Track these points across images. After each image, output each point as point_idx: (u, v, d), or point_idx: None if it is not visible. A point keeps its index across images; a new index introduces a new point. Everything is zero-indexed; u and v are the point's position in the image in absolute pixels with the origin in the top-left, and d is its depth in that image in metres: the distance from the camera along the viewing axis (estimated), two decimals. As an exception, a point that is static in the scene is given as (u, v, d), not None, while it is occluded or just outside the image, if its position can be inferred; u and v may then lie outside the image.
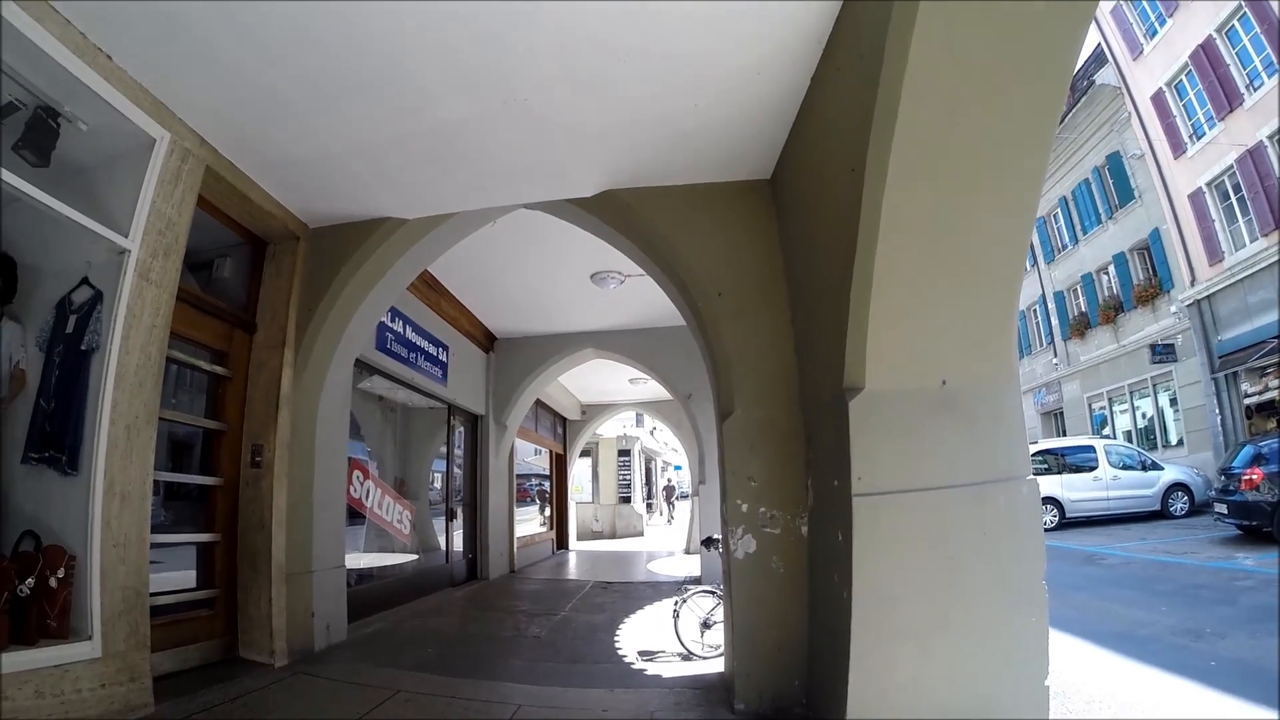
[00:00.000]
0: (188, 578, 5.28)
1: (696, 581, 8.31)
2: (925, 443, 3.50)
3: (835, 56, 3.67)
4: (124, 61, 3.79)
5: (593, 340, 11.04)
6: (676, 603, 6.05)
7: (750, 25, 3.60)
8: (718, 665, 5.30)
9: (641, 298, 8.82)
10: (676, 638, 5.85)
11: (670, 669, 5.46)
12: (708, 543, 6.25)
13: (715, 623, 5.78)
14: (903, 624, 3.39)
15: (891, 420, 3.50)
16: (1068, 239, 25.66)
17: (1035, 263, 27.49)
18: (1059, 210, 25.88)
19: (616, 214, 5.47)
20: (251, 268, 5.92)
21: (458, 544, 10.54)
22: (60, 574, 3.57)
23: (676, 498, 30.61)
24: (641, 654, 5.94)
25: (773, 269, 4.94)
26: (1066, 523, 15.73)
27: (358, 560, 7.76)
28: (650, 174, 5.17)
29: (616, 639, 6.61)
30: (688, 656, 5.72)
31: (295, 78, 3.98)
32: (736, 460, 4.69)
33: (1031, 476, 3.63)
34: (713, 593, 5.97)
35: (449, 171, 5.15)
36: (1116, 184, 22.28)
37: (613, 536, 20.63)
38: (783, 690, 4.29)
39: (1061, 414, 26.65)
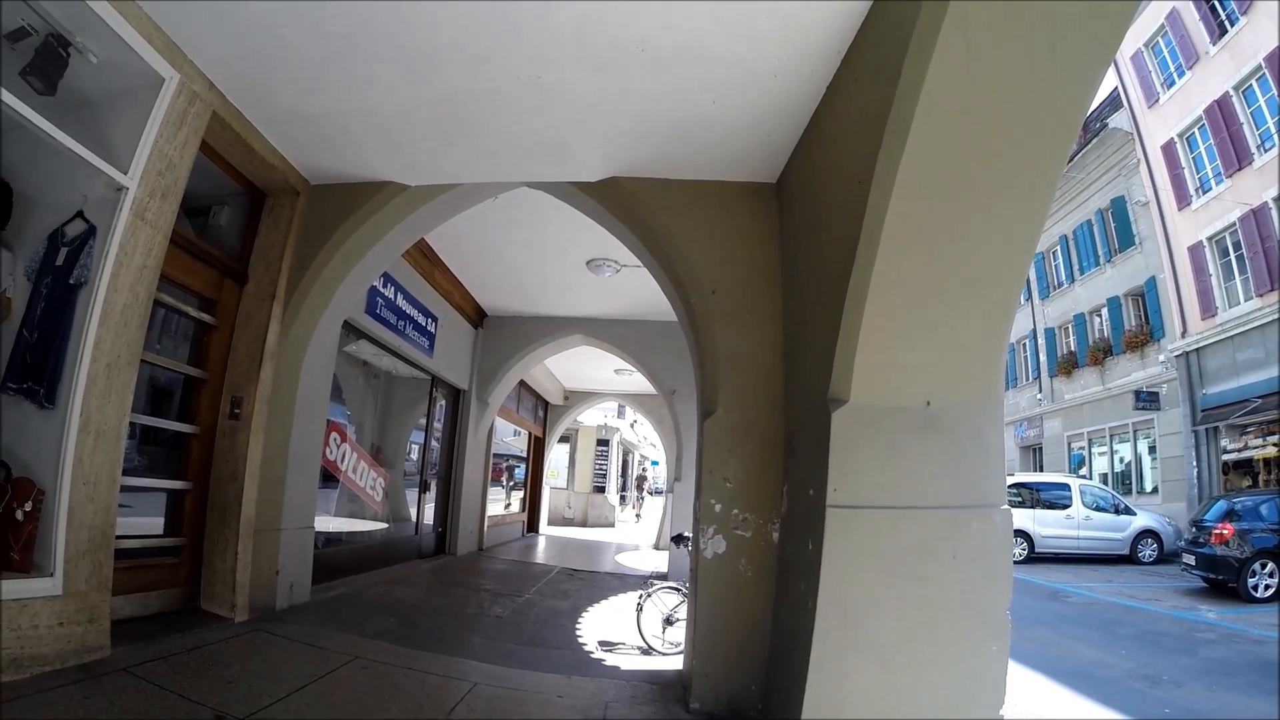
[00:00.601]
0: (155, 524, 5.24)
1: (663, 578, 8.35)
2: (904, 461, 3.51)
3: (854, 65, 3.66)
4: None
5: (582, 326, 11.04)
6: (641, 597, 6.09)
7: (771, 27, 3.60)
8: (677, 663, 5.34)
9: (635, 289, 8.83)
10: (639, 632, 5.88)
11: (629, 662, 5.50)
12: (678, 539, 6.27)
13: (678, 620, 5.81)
14: (865, 637, 3.40)
15: (873, 435, 3.50)
16: (1064, 277, 25.89)
17: (1030, 297, 27.73)
18: (1058, 247, 26.09)
19: (619, 202, 5.46)
20: (248, 218, 5.87)
21: (429, 517, 10.52)
22: (27, 507, 3.55)
23: (649, 490, 29.05)
24: (602, 644, 5.99)
25: (770, 273, 4.96)
26: (1035, 557, 15.96)
27: (327, 523, 7.73)
28: (656, 165, 5.17)
29: (578, 627, 6.66)
30: (648, 651, 5.76)
31: (308, 32, 3.94)
32: (714, 460, 4.70)
33: (1006, 506, 3.64)
34: (677, 590, 6.00)
35: (454, 142, 5.12)
36: (1118, 228, 22.52)
37: (584, 525, 20.69)
38: (740, 693, 4.31)
39: (1041, 449, 26.95)
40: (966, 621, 3.47)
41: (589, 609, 7.53)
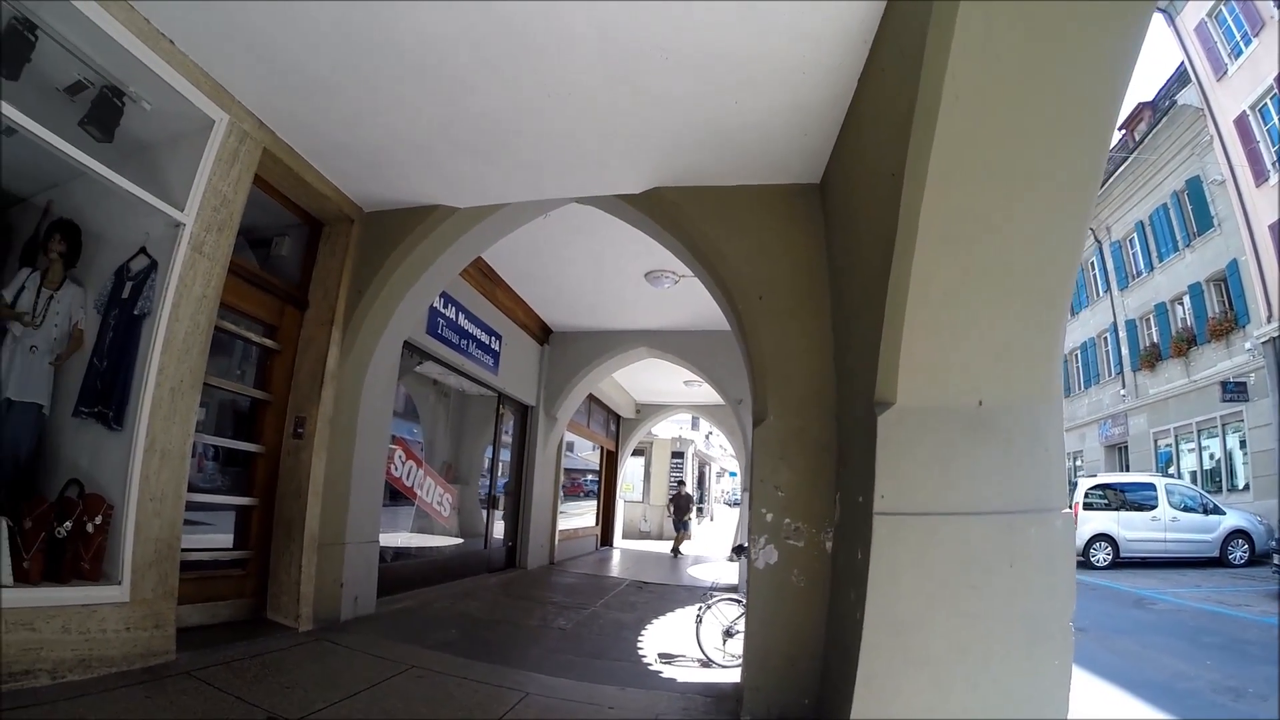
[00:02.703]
0: (224, 538, 5.63)
1: (733, 589, 8.34)
2: (956, 465, 3.33)
3: (880, 55, 3.61)
4: (185, 46, 4.09)
5: (647, 339, 11.16)
6: (700, 609, 6.10)
7: (792, 22, 3.60)
8: (735, 675, 5.31)
9: (695, 299, 8.87)
10: (697, 644, 5.88)
11: (687, 674, 5.51)
12: (738, 550, 6.24)
13: (738, 632, 5.78)
14: (916, 651, 3.26)
15: (922, 438, 3.35)
16: (1143, 265, 24.55)
17: (1108, 288, 26.46)
18: (1135, 235, 24.78)
19: (664, 212, 5.55)
20: (308, 247, 6.26)
21: (498, 531, 10.80)
22: (97, 521, 3.91)
23: (691, 515, 19.16)
24: (662, 656, 6.01)
25: (817, 276, 4.92)
26: (1120, 561, 15.20)
27: (396, 538, 8.07)
28: (697, 173, 5.24)
29: (640, 639, 6.70)
30: (707, 663, 5.74)
31: (340, 65, 4.21)
32: (766, 468, 4.67)
33: (1067, 510, 3.44)
34: (738, 601, 5.98)
35: (492, 161, 5.32)
36: (1195, 210, 21.20)
37: (660, 538, 20.69)
38: (792, 706, 4.24)
39: (1126, 448, 25.47)
40: (1025, 634, 3.26)
41: (654, 621, 7.57)
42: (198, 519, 5.10)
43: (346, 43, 4.00)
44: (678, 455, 22.52)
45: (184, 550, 4.48)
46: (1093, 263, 27.87)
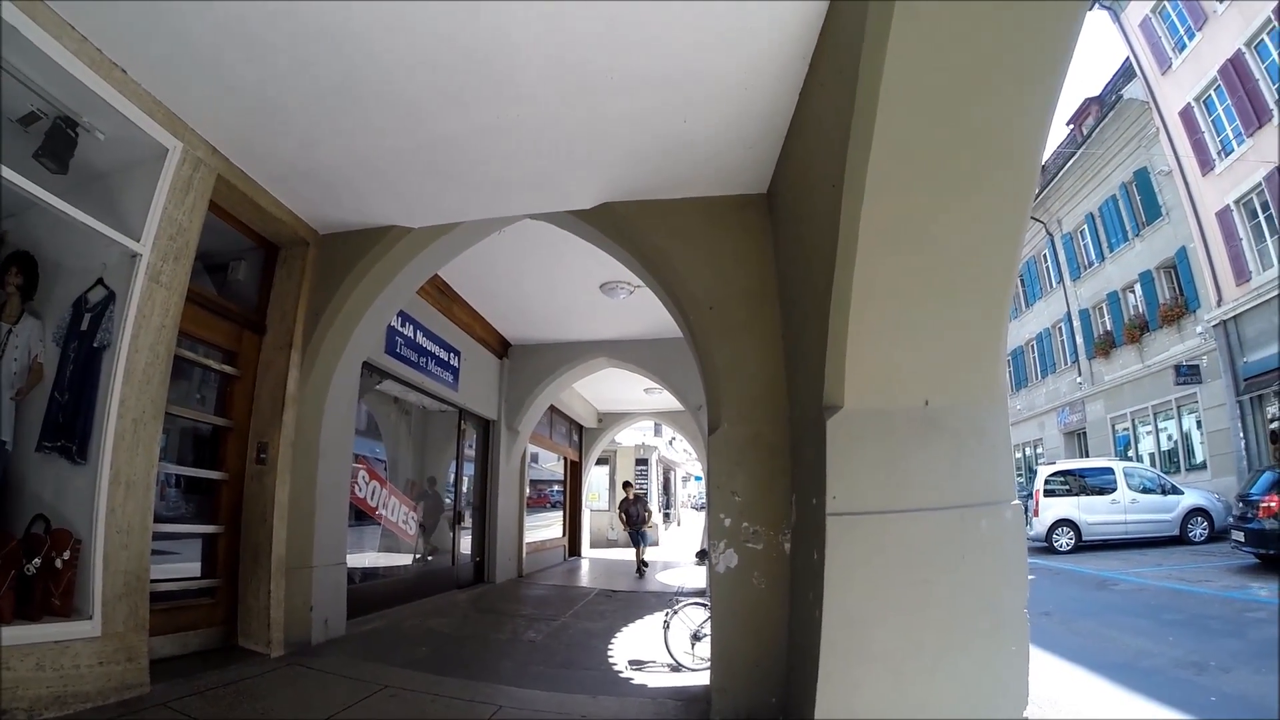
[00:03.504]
0: (192, 567, 5.57)
1: (701, 593, 8.44)
2: (905, 463, 3.47)
3: (819, 70, 3.74)
4: (138, 75, 4.09)
5: (606, 349, 11.25)
6: (667, 614, 6.17)
7: (731, 41, 3.73)
8: (705, 678, 5.37)
9: (651, 308, 8.90)
10: (666, 649, 5.94)
11: (657, 679, 5.57)
12: (701, 555, 6.32)
13: (705, 635, 5.86)
14: (874, 647, 3.36)
15: (870, 440, 3.48)
16: (1094, 256, 25.36)
17: (1061, 279, 27.32)
18: (1086, 227, 25.64)
19: (615, 226, 5.64)
20: (264, 271, 6.23)
21: (465, 547, 10.77)
22: (65, 556, 3.87)
23: (650, 523, 15.97)
24: (632, 663, 6.07)
25: (766, 284, 5.02)
26: (1083, 545, 15.64)
27: (362, 558, 8.02)
28: (646, 187, 5.34)
29: (610, 647, 6.75)
30: (676, 668, 5.80)
31: (295, 91, 4.24)
32: (721, 474, 4.76)
33: (1016, 501, 3.58)
34: (704, 605, 6.07)
35: (447, 183, 5.39)
36: (1144, 200, 22.01)
37: (628, 545, 20.64)
38: (759, 706, 4.32)
39: (1084, 434, 26.29)
40: (981, 622, 3.40)
41: (623, 629, 7.64)
42: (165, 549, 5.04)
43: (300, 70, 4.04)
44: (642, 462, 22.59)
45: (153, 581, 4.44)
46: (1045, 255, 28.80)
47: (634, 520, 14.81)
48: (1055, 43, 2.78)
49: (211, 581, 5.53)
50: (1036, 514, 16.12)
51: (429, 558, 9.70)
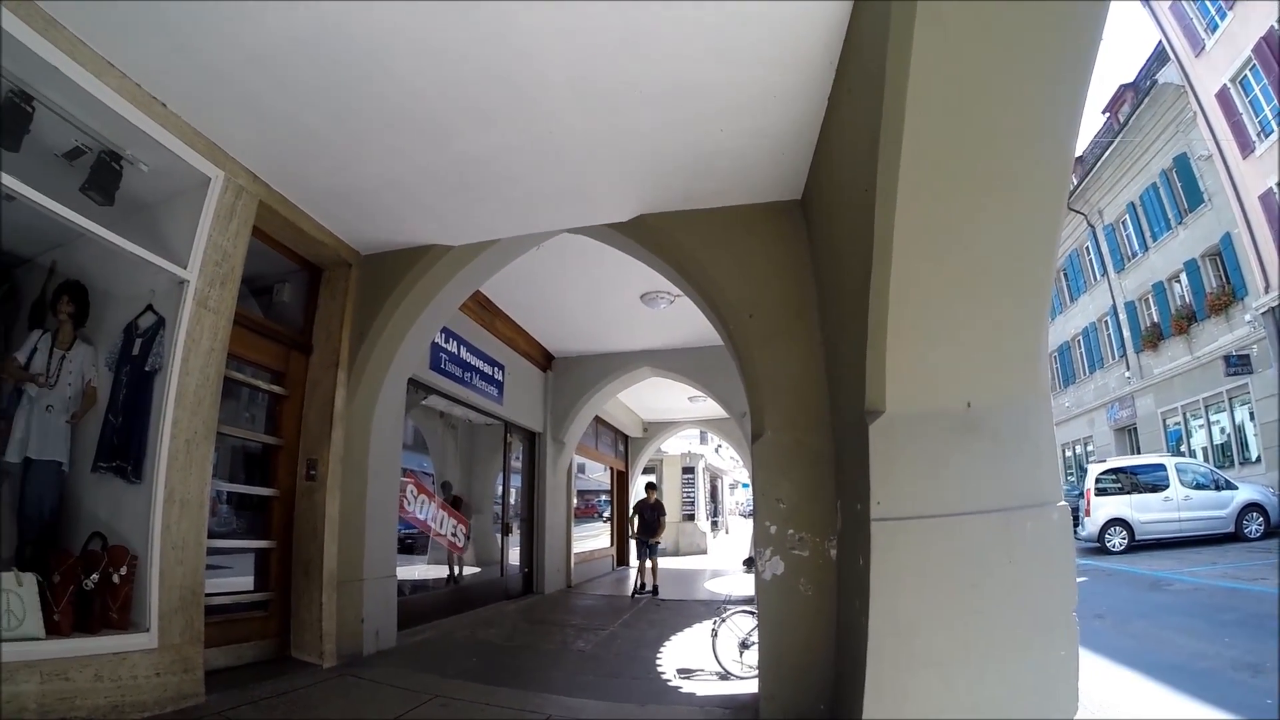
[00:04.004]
0: (245, 581, 5.75)
1: (749, 601, 8.40)
2: (949, 467, 3.42)
3: (847, 75, 3.73)
4: (178, 108, 4.27)
5: (649, 359, 11.29)
6: (715, 622, 6.15)
7: (755, 52, 3.75)
8: (753, 686, 5.33)
9: (692, 317, 8.90)
10: (715, 657, 5.93)
11: (706, 688, 5.55)
12: (748, 563, 6.28)
13: (753, 643, 5.82)
14: (921, 653, 3.32)
15: (913, 444, 3.44)
16: (1137, 246, 24.49)
17: (1105, 272, 26.49)
18: (1127, 216, 24.81)
19: (651, 238, 5.67)
20: (308, 292, 6.42)
21: (514, 558, 10.88)
22: (123, 571, 4.03)
23: (661, 534, 12.51)
24: (680, 672, 6.06)
25: (804, 290, 5.00)
26: (1137, 545, 15.12)
27: (412, 571, 8.15)
28: (680, 198, 5.37)
29: (659, 656, 6.75)
30: (725, 676, 5.78)
31: (327, 118, 4.38)
32: (767, 482, 4.75)
33: (1063, 503, 3.50)
34: (752, 613, 6.03)
35: (481, 201, 5.49)
36: (1185, 187, 21.21)
37: (676, 554, 20.65)
38: (807, 713, 4.28)
39: (1135, 430, 25.33)
40: (1029, 626, 3.35)
41: (672, 638, 7.62)
42: (219, 564, 5.20)
43: (333, 97, 4.17)
44: (688, 470, 22.50)
45: (208, 595, 4.59)
46: (1087, 247, 27.96)
47: (648, 527, 12.02)
48: (1080, 35, 2.76)
49: (264, 595, 5.69)
50: (1088, 514, 15.62)
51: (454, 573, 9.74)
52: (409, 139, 4.63)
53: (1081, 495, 16.07)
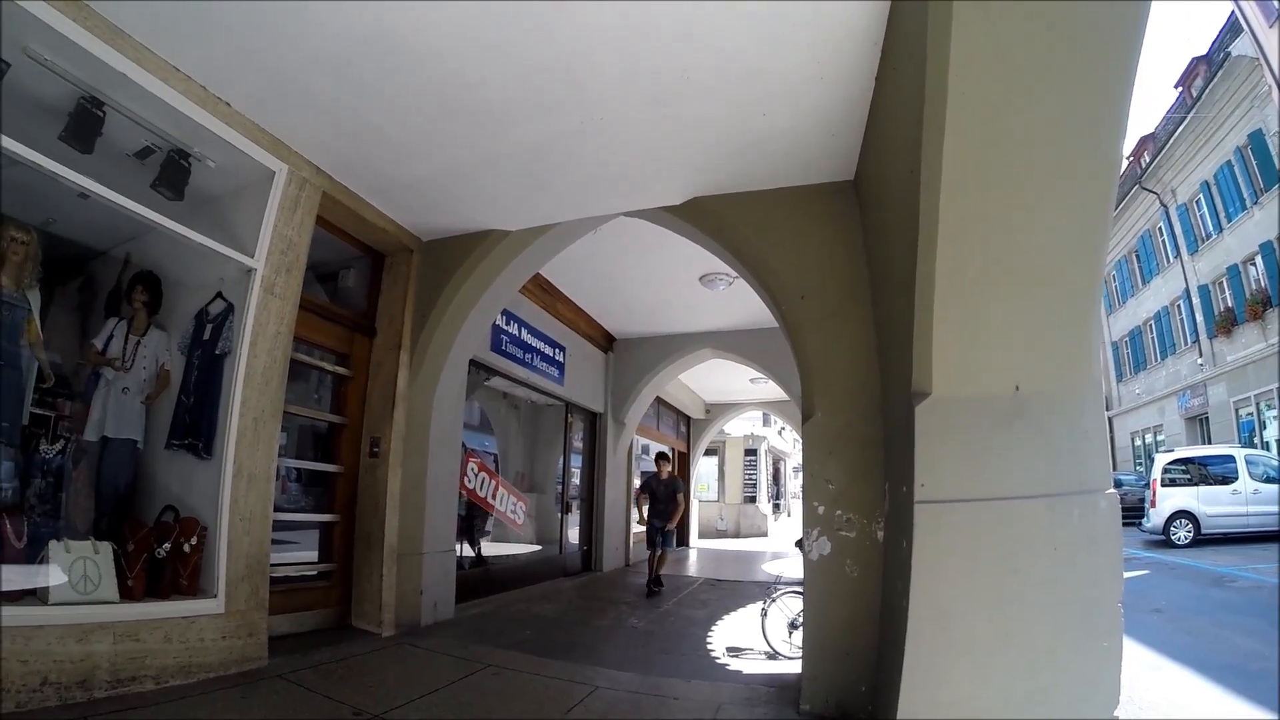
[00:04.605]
0: (310, 553, 6.05)
1: (801, 583, 8.36)
2: (995, 451, 3.34)
3: (892, 56, 3.65)
4: (242, 107, 4.48)
5: (709, 340, 11.23)
6: (765, 602, 6.18)
7: (800, 37, 3.72)
8: (799, 666, 5.35)
9: (752, 298, 8.84)
10: (764, 637, 5.96)
11: (753, 666, 5.59)
12: (799, 544, 6.26)
13: (802, 624, 5.82)
14: (961, 640, 3.26)
15: (960, 427, 3.37)
16: (1211, 227, 23.03)
17: (1178, 254, 25.03)
18: (1201, 196, 23.36)
19: (705, 220, 5.67)
20: (371, 277, 6.65)
21: (573, 536, 11.06)
22: (193, 541, 4.31)
23: (676, 517, 9.86)
24: (729, 650, 6.12)
25: (857, 272, 4.93)
26: (1203, 539, 14.42)
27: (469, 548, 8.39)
28: (733, 181, 5.35)
29: (710, 635, 6.80)
30: (773, 655, 5.81)
31: (386, 110, 4.52)
32: (815, 463, 4.73)
33: (1111, 490, 3.39)
34: (801, 594, 6.04)
35: (538, 187, 5.57)
36: (1260, 165, 19.76)
37: (736, 535, 20.72)
38: (850, 694, 4.28)
39: (1206, 419, 23.96)
40: (1071, 616, 3.24)
41: (724, 617, 7.67)
42: (285, 536, 5.48)
43: (391, 92, 4.31)
44: (751, 453, 22.35)
45: (274, 565, 4.86)
46: (1159, 228, 26.53)
47: (659, 507, 9.63)
48: (1126, 13, 2.65)
49: (328, 566, 5.97)
50: (1154, 505, 14.98)
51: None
52: (467, 129, 4.74)
53: (1148, 486, 15.40)
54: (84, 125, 3.93)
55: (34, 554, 3.75)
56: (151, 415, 4.76)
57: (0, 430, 4.01)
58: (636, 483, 12.50)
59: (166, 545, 4.18)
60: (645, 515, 9.74)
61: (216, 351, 4.67)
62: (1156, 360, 27.91)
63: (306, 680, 4.38)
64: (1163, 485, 15.16)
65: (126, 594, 3.94)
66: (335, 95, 4.35)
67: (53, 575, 3.68)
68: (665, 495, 9.60)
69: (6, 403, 4.01)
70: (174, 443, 4.61)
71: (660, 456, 10.18)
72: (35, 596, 3.64)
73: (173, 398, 4.74)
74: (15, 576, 3.61)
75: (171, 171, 4.44)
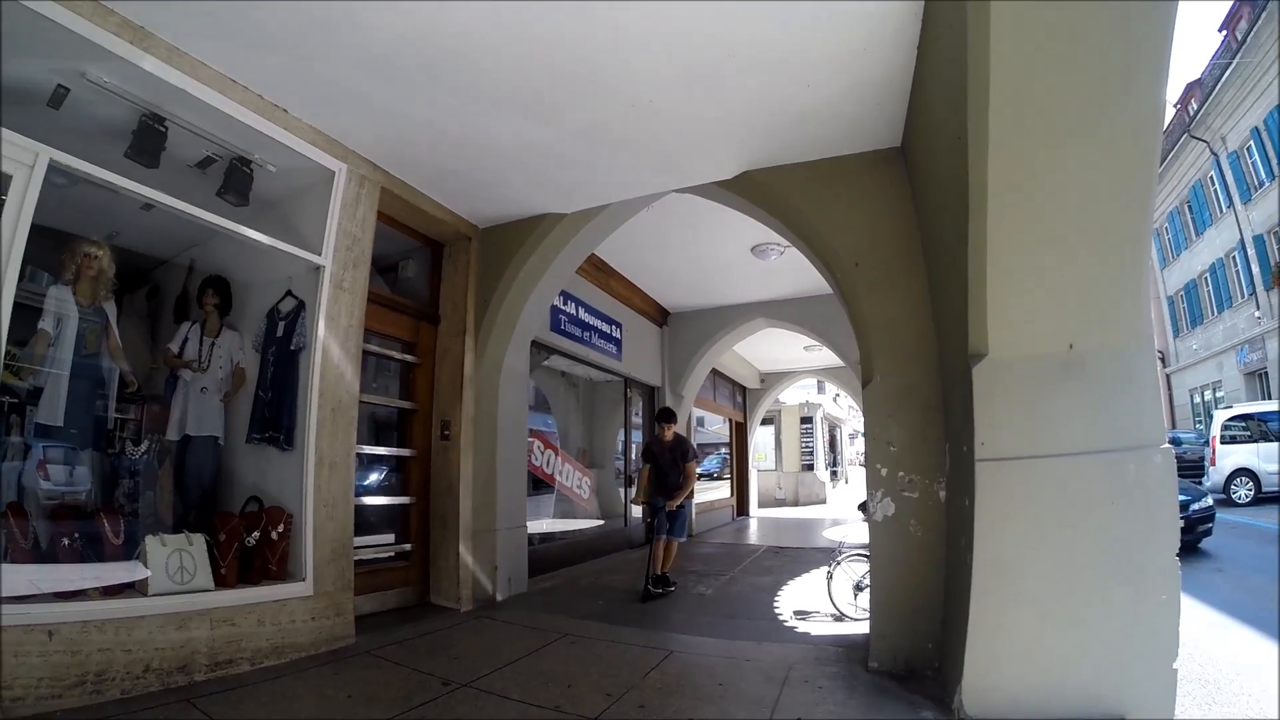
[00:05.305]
0: (389, 535, 6.14)
1: (864, 548, 8.27)
2: (1051, 408, 3.38)
3: (932, 24, 3.61)
4: (298, 112, 4.53)
5: (763, 310, 11.09)
6: (831, 565, 6.16)
7: (837, 9, 3.63)
8: (866, 627, 5.28)
9: (804, 267, 8.68)
10: (830, 599, 5.95)
11: (820, 628, 5.57)
12: (863, 506, 6.21)
13: (867, 586, 5.77)
14: (1022, 591, 3.33)
15: (1016, 386, 3.40)
16: (1264, 174, 21.43)
17: (1230, 203, 23.46)
18: (1252, 143, 21.79)
19: (756, 193, 5.58)
20: (431, 267, 6.68)
21: (636, 510, 11.04)
22: (280, 529, 4.42)
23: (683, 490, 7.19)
24: (796, 613, 6.10)
25: (909, 236, 4.84)
26: (1264, 496, 13.69)
27: (541, 524, 8.46)
28: (782, 153, 5.23)
29: (776, 599, 6.79)
30: (839, 617, 5.79)
31: (436, 107, 4.51)
32: (876, 426, 4.69)
33: (1166, 445, 3.35)
34: (866, 557, 5.97)
35: (590, 169, 5.52)
36: None
37: (795, 504, 20.52)
38: (916, 652, 4.28)
39: (1266, 375, 22.55)
40: (1130, 570, 3.26)
41: (789, 582, 7.63)
42: (364, 520, 5.58)
43: (441, 88, 4.29)
44: (807, 420, 22.03)
45: (355, 548, 4.95)
46: (1211, 177, 24.91)
47: (663, 475, 7.25)
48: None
49: (405, 546, 6.08)
50: (1213, 463, 14.35)
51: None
52: (519, 119, 4.70)
53: (1207, 443, 14.74)
54: (148, 141, 4.02)
55: (130, 550, 3.89)
56: (230, 412, 4.89)
57: (87, 435, 4.18)
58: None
59: (255, 534, 4.29)
60: (643, 490, 7.35)
61: (291, 347, 4.75)
62: (1213, 314, 26.39)
63: (393, 655, 4.48)
64: (1222, 443, 14.53)
65: (220, 582, 4.06)
66: (387, 95, 4.36)
67: (151, 568, 3.80)
68: (669, 463, 7.17)
69: (93, 410, 4.16)
70: (255, 436, 4.72)
71: (663, 414, 7.41)
72: (135, 589, 3.76)
73: (250, 394, 4.85)
74: (115, 572, 3.74)
75: (235, 178, 4.50)
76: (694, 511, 12.61)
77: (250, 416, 4.78)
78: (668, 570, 7.09)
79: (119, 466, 4.59)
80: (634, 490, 8.22)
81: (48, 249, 3.60)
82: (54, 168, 3.44)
